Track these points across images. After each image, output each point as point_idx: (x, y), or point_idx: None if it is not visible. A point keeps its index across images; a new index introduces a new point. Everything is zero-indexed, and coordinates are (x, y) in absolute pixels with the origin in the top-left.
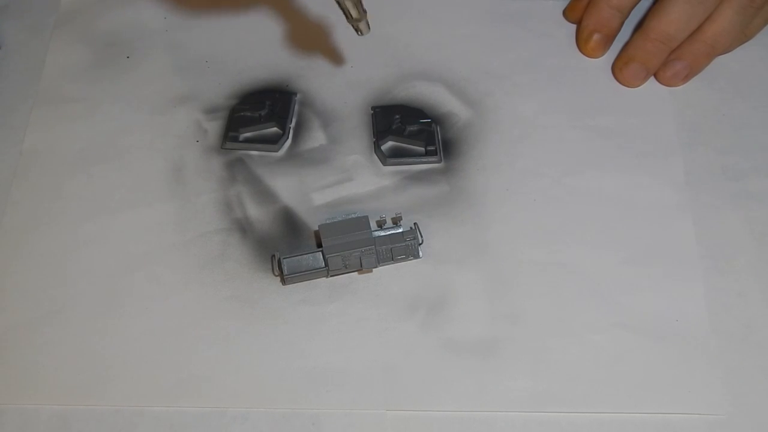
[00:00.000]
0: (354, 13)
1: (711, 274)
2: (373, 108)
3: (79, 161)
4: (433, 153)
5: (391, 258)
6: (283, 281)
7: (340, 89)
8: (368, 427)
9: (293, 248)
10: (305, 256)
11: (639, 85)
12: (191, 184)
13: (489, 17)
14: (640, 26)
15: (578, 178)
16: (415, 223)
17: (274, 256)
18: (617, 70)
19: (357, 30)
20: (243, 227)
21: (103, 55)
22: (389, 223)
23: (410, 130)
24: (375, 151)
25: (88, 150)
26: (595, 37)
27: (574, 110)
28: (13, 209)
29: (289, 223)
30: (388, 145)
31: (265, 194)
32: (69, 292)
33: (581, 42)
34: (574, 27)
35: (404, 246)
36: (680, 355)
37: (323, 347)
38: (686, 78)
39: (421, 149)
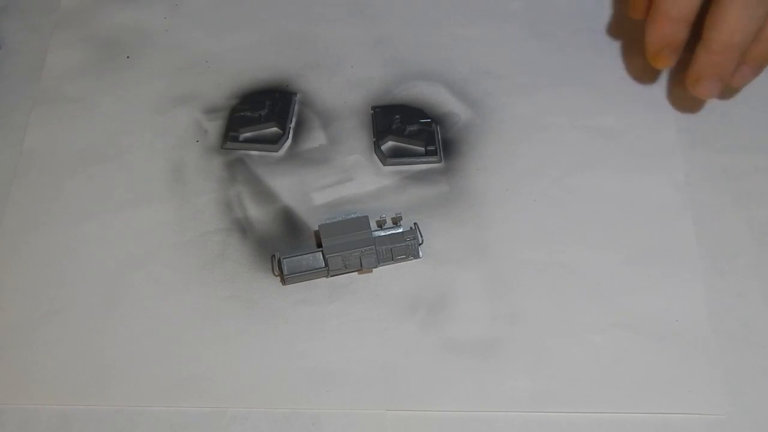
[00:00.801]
0: None
1: (711, 274)
2: (373, 108)
3: (79, 161)
4: (433, 153)
5: (391, 258)
6: (283, 281)
7: (340, 89)
8: (368, 427)
9: (293, 248)
10: (305, 256)
11: (717, 95)
12: (191, 184)
13: (489, 17)
14: (699, 37)
15: (578, 178)
16: (415, 223)
17: (274, 256)
18: (690, 87)
19: None
20: (243, 227)
21: (103, 55)
22: (389, 223)
23: (410, 130)
24: (375, 151)
25: (88, 150)
26: (663, 52)
27: (574, 110)
28: (13, 209)
29: (289, 223)
30: (388, 145)
31: (265, 194)
32: (69, 292)
33: (649, 59)
34: (575, 26)
35: (404, 246)
36: (680, 355)
37: (323, 347)
38: (751, 79)
39: (421, 149)
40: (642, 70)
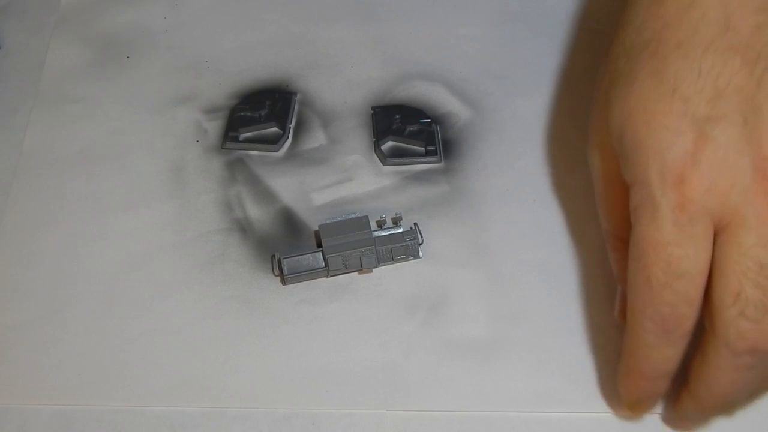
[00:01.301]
0: None
1: None
2: (373, 108)
3: (79, 161)
4: (433, 153)
5: (392, 258)
6: (283, 281)
7: (340, 89)
8: (368, 427)
9: (293, 248)
10: (305, 256)
11: None
12: (191, 184)
13: (489, 17)
14: (686, 387)
15: (579, 178)
16: (415, 223)
17: (274, 256)
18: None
19: None
20: (243, 227)
21: (103, 55)
22: (389, 223)
23: (410, 130)
24: (375, 151)
25: (88, 150)
26: (640, 405)
27: (574, 110)
28: (13, 210)
29: (289, 223)
30: (388, 145)
31: (265, 194)
32: (69, 293)
33: (626, 407)
34: (575, 26)
35: (404, 246)
36: None
37: (323, 347)
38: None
39: (421, 149)
40: None
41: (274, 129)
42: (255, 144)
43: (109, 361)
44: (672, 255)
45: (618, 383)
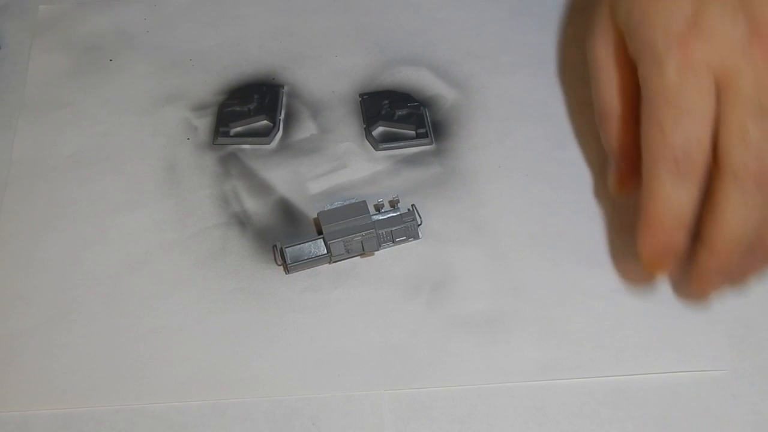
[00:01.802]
0: None
1: None
2: (361, 95)
3: (70, 166)
4: (424, 135)
5: (392, 240)
6: (287, 270)
7: (327, 79)
8: (382, 407)
9: (293, 238)
10: (307, 243)
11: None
12: (186, 182)
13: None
14: (697, 235)
15: (567, 150)
16: (413, 205)
17: (275, 246)
18: (695, 297)
19: None
20: (241, 221)
21: (86, 59)
22: (387, 206)
23: (399, 115)
24: (366, 137)
25: (79, 155)
26: (661, 260)
27: (557, 85)
28: (7, 218)
29: (287, 213)
30: (379, 130)
31: (260, 187)
32: (72, 297)
33: (644, 265)
34: (554, 4)
35: (404, 228)
36: (680, 315)
37: (331, 333)
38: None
39: (412, 132)
40: None
41: (265, 122)
42: (246, 138)
43: (117, 362)
44: (679, 101)
45: (638, 241)
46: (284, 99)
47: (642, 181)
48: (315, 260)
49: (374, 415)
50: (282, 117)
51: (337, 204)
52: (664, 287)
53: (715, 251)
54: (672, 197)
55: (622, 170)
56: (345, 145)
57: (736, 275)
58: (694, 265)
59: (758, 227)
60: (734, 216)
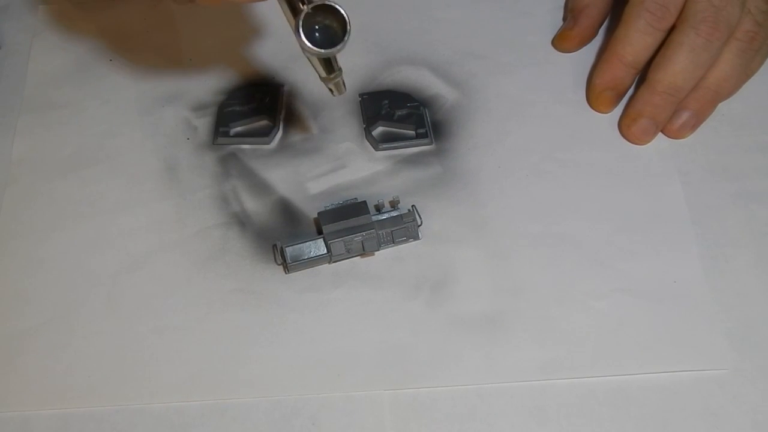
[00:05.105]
0: (323, 72)
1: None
2: (361, 95)
3: (70, 166)
4: (424, 135)
5: (392, 241)
6: (287, 270)
7: None
8: (383, 406)
9: (293, 238)
10: (307, 243)
11: (649, 141)
12: (186, 182)
13: (466, 0)
14: (643, 79)
15: (567, 151)
16: (413, 206)
17: (275, 245)
18: (625, 127)
19: (330, 90)
20: (241, 220)
21: (86, 59)
22: (387, 206)
23: (399, 115)
24: (366, 138)
25: (78, 155)
26: (608, 93)
27: (558, 86)
28: (7, 218)
29: (287, 213)
30: (379, 130)
31: (260, 187)
32: (73, 297)
33: (592, 99)
34: (553, 5)
35: (404, 228)
36: (681, 314)
37: (331, 333)
38: (693, 127)
39: (412, 133)
40: None
41: (265, 122)
42: (246, 138)
43: (118, 362)
44: None
45: (596, 73)
46: (284, 98)
47: (587, 39)
48: (315, 260)
49: (374, 415)
50: (282, 117)
51: (337, 203)
52: (664, 287)
53: (654, 90)
54: (640, 40)
55: (571, 27)
56: (345, 146)
57: (663, 120)
58: (632, 101)
59: (696, 81)
60: (680, 62)
